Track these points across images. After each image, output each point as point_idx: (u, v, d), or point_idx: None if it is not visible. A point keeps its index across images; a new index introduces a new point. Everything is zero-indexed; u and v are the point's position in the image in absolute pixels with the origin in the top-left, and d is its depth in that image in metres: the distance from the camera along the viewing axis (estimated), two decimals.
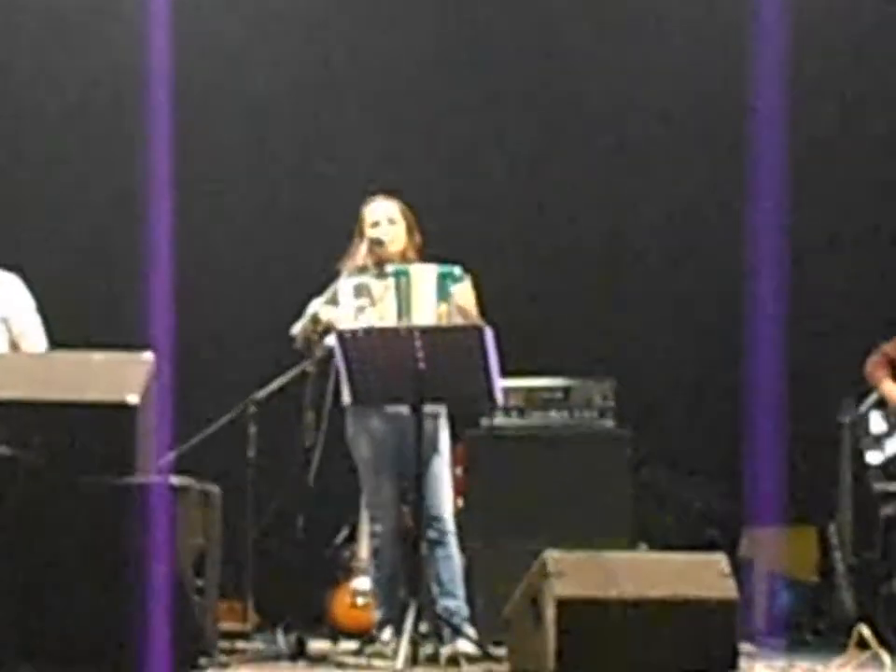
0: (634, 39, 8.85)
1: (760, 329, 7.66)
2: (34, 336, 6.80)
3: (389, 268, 6.34)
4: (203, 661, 5.22)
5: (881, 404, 7.29)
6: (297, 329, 6.29)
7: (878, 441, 7.30)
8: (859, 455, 7.57)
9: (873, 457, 7.34)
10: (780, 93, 7.73)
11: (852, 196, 8.66)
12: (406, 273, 6.30)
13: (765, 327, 7.72)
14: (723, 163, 8.42)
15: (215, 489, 5.59)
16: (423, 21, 9.07)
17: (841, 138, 8.62)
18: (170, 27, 7.82)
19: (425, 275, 6.32)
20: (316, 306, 6.26)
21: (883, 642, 5.65)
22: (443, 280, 6.27)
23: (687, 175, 8.82)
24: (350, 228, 6.49)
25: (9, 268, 6.84)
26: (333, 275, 6.38)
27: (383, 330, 6.00)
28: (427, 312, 6.17)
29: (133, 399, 5.23)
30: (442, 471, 6.33)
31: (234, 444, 6.82)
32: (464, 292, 6.30)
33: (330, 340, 6.08)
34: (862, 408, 7.42)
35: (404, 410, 6.06)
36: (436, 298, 6.22)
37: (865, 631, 5.55)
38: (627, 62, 8.86)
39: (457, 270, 6.32)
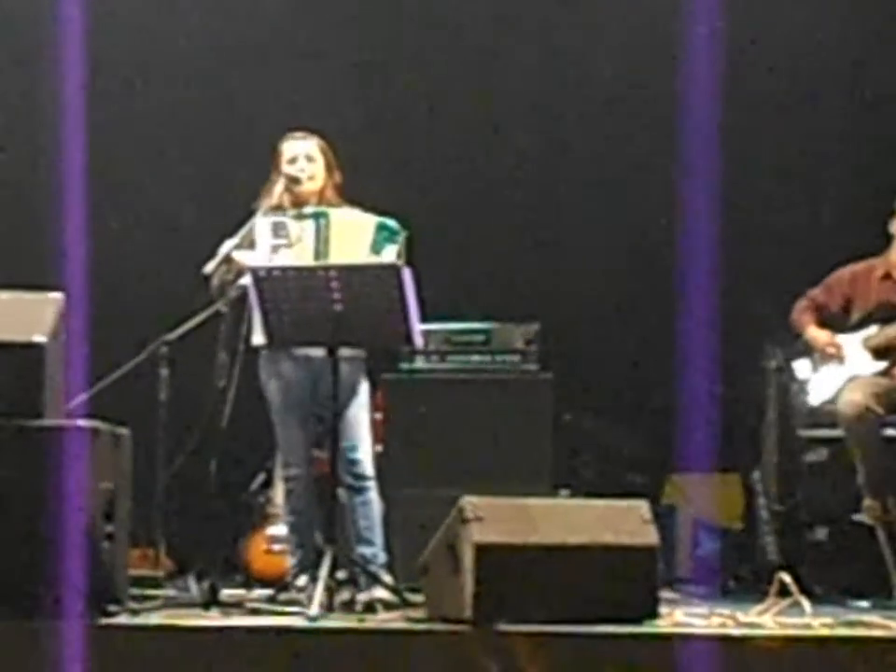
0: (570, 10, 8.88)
1: (688, 275, 7.70)
2: None
3: (309, 209, 6.31)
4: (113, 607, 5.20)
5: (807, 351, 7.35)
6: (210, 268, 6.24)
7: (802, 389, 7.36)
8: (783, 402, 7.64)
9: (799, 403, 7.40)
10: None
11: (780, 152, 8.73)
12: (326, 216, 6.25)
13: (693, 273, 7.76)
14: (653, 109, 8.43)
15: (125, 432, 5.56)
16: None
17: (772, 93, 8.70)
18: None
19: (349, 220, 6.29)
20: (230, 246, 6.24)
21: (804, 589, 5.70)
22: (380, 232, 6.22)
23: (617, 119, 8.86)
24: (267, 165, 6.49)
25: None
26: (249, 213, 6.37)
27: (299, 269, 5.96)
28: (346, 256, 6.13)
29: (40, 338, 5.21)
30: (360, 416, 6.34)
31: (146, 386, 6.82)
32: (393, 254, 6.26)
33: (245, 280, 6.06)
34: (787, 354, 7.49)
35: (319, 352, 6.06)
36: (369, 250, 6.18)
37: (786, 578, 5.60)
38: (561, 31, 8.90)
39: (396, 226, 6.26)
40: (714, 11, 7.75)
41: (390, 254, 6.18)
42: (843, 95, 8.73)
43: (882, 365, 7.00)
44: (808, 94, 8.70)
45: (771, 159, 8.71)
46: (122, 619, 5.18)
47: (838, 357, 7.12)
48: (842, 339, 7.13)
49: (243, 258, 6.19)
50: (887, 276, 7.10)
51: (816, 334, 7.20)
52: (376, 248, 6.17)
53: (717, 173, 7.58)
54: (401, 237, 6.28)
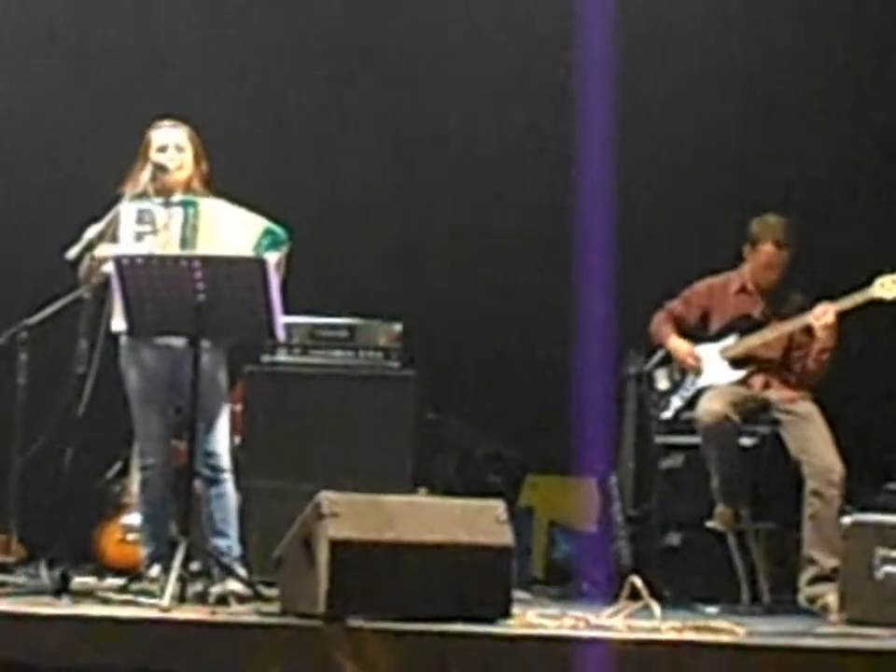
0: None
1: (551, 284, 7.75)
2: None
3: (177, 197, 6.28)
4: None
5: (665, 361, 7.44)
6: (73, 253, 6.20)
7: (663, 397, 7.44)
8: (642, 407, 7.71)
9: (657, 412, 7.48)
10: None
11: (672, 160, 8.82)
12: (195, 204, 6.24)
13: (557, 281, 7.81)
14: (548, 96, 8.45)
15: None
16: None
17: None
18: None
19: (224, 214, 6.29)
20: (92, 231, 6.20)
21: (655, 593, 5.76)
22: (267, 236, 6.26)
23: (496, 119, 8.88)
24: (132, 154, 6.44)
25: None
26: (115, 199, 6.33)
27: (162, 258, 5.94)
28: (214, 247, 6.11)
29: None
30: (219, 407, 6.31)
31: (4, 371, 6.76)
32: (274, 260, 6.25)
33: (108, 267, 6.03)
34: (648, 365, 7.56)
35: (180, 342, 6.04)
36: (251, 249, 6.18)
37: (637, 582, 5.66)
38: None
39: (283, 234, 6.30)
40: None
41: (272, 259, 6.15)
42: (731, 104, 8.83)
43: (739, 374, 7.11)
44: (699, 102, 8.78)
45: (663, 167, 8.77)
46: None
47: (697, 368, 7.22)
48: (700, 349, 7.23)
49: (106, 253, 6.13)
50: (742, 290, 7.22)
51: (676, 345, 7.29)
52: (258, 251, 6.17)
53: (604, 176, 7.63)
54: (286, 246, 6.32)
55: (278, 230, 6.31)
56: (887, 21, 8.62)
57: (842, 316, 6.86)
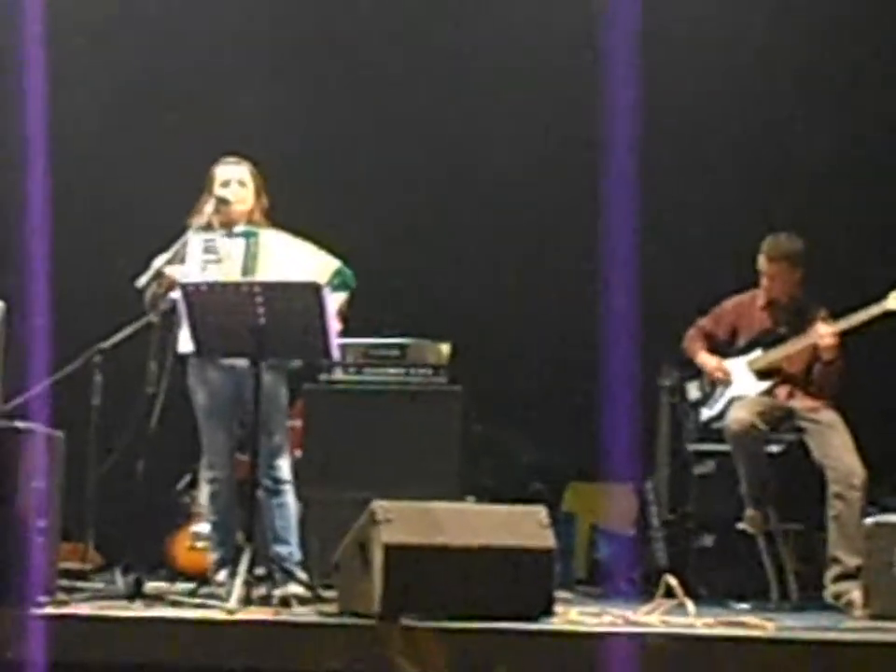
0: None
1: (585, 307, 7.72)
2: None
3: (239, 229, 6.33)
4: (42, 598, 5.17)
5: (697, 374, 7.42)
6: (143, 281, 6.23)
7: (694, 407, 7.43)
8: (676, 417, 7.70)
9: (689, 421, 7.47)
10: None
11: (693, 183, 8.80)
12: (255, 235, 6.29)
13: (590, 303, 7.79)
14: (575, 126, 8.43)
15: (59, 434, 5.54)
16: None
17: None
18: None
19: (279, 242, 6.34)
20: (161, 261, 6.23)
21: (689, 591, 5.76)
22: (338, 276, 6.32)
23: (528, 152, 8.88)
24: (197, 189, 6.48)
25: None
26: (182, 230, 6.36)
27: (225, 285, 5.99)
28: (273, 274, 6.14)
29: None
30: (279, 423, 6.34)
31: (80, 392, 6.79)
32: (342, 299, 6.35)
33: (175, 294, 6.06)
34: (680, 376, 7.57)
35: (243, 362, 6.06)
36: (302, 260, 6.25)
37: (672, 581, 5.65)
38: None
39: (351, 277, 6.37)
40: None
41: (339, 298, 6.28)
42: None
43: (765, 385, 7.08)
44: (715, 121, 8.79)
45: (686, 188, 8.76)
46: (51, 609, 5.13)
47: (726, 380, 7.21)
48: (729, 363, 7.21)
49: (174, 272, 6.18)
50: (767, 306, 7.19)
51: (705, 360, 7.28)
52: (329, 288, 6.18)
53: (633, 200, 7.61)
54: (352, 288, 6.38)
55: (348, 272, 6.38)
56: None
57: (856, 330, 6.85)
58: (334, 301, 6.20)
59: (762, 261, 7.05)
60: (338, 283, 6.33)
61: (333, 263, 6.35)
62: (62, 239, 7.46)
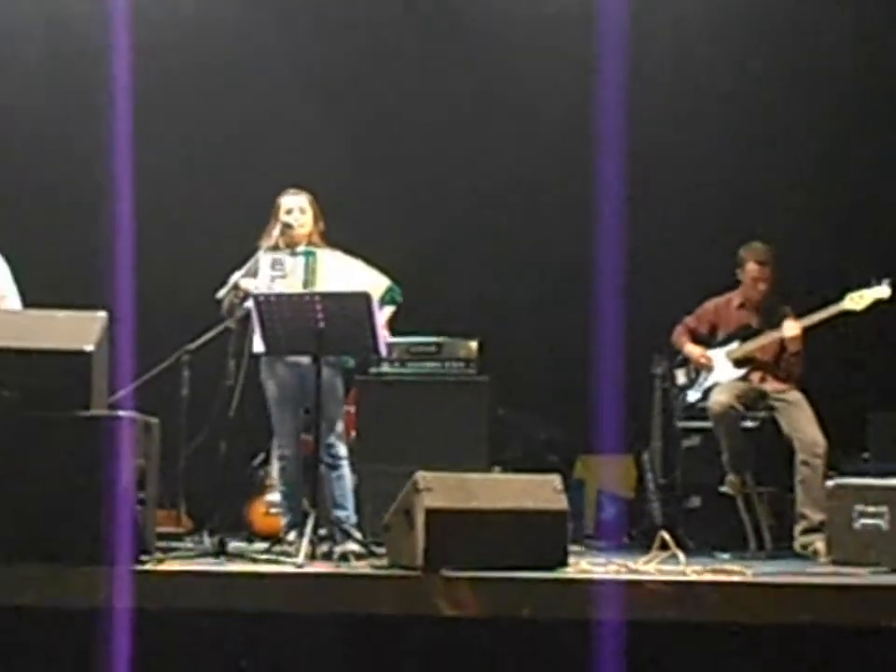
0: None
1: (595, 304, 7.68)
2: (11, 298, 6.77)
3: (300, 249, 6.34)
4: (143, 557, 5.18)
5: (684, 363, 7.42)
6: (222, 293, 6.27)
7: (682, 391, 7.43)
8: (667, 399, 7.69)
9: (678, 402, 7.47)
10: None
11: (679, 201, 8.77)
12: (314, 254, 6.31)
13: (601, 303, 7.74)
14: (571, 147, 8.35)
15: (154, 420, 5.55)
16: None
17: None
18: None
19: (334, 260, 6.35)
20: (237, 276, 6.27)
21: (680, 545, 5.75)
22: (389, 293, 6.36)
23: (541, 181, 8.86)
24: (265, 215, 6.49)
25: None
26: (253, 251, 6.39)
27: (290, 296, 5.99)
28: (327, 287, 6.15)
29: (88, 347, 5.20)
30: (337, 409, 6.36)
31: (172, 385, 6.82)
32: (389, 313, 6.39)
33: (249, 303, 6.08)
34: (669, 364, 7.57)
35: (306, 359, 6.08)
36: (378, 298, 6.20)
37: (666, 536, 5.64)
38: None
39: (399, 294, 6.42)
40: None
41: (388, 312, 6.34)
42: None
43: (741, 372, 7.08)
44: (701, 154, 8.75)
45: (671, 206, 8.73)
46: (150, 566, 5.15)
47: (708, 367, 7.20)
48: (710, 353, 7.21)
49: (248, 285, 6.21)
50: (741, 305, 7.20)
51: (691, 350, 7.28)
52: (382, 302, 6.24)
53: (624, 216, 7.58)
54: (399, 303, 6.42)
55: (397, 288, 6.41)
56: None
57: (817, 326, 6.85)
58: (385, 313, 6.28)
59: (750, 265, 7.03)
60: (388, 299, 6.37)
61: (385, 282, 6.38)
62: (148, 259, 7.47)
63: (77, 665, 4.79)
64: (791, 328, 6.84)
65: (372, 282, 6.28)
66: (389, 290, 6.38)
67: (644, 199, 8.02)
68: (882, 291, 6.66)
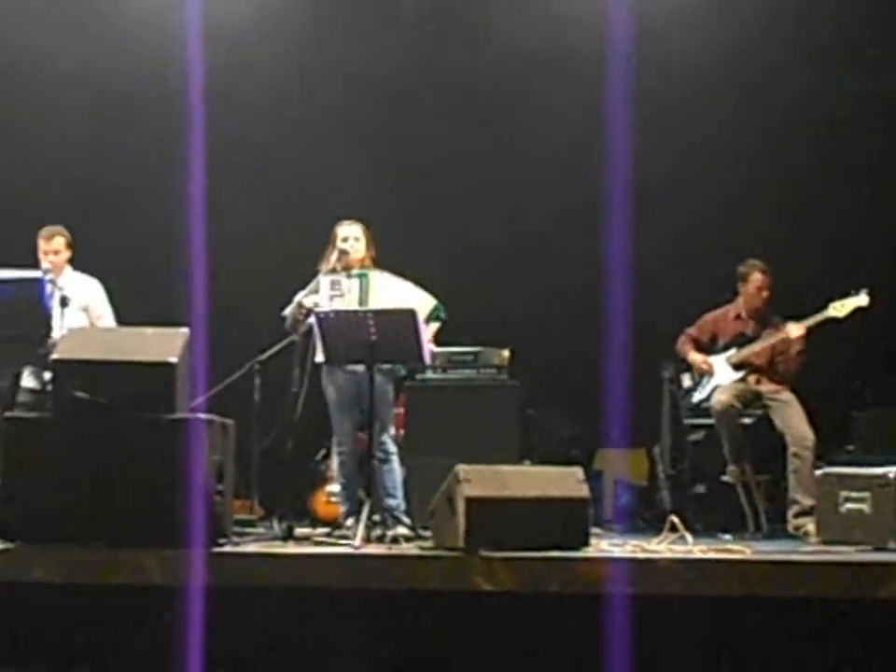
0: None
1: (610, 319, 7.63)
2: (106, 318, 6.83)
3: (355, 272, 6.36)
4: (221, 540, 5.22)
5: (688, 368, 7.38)
6: (287, 311, 6.30)
7: (687, 392, 7.38)
8: (674, 400, 7.65)
9: (684, 403, 7.43)
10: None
11: (681, 225, 8.74)
12: (366, 276, 6.32)
13: (615, 317, 7.71)
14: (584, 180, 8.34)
15: (230, 422, 5.57)
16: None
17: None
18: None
19: (385, 280, 6.34)
20: (300, 296, 6.28)
21: (688, 527, 5.71)
22: (434, 311, 6.34)
23: (560, 211, 8.83)
24: (324, 242, 6.51)
25: (90, 273, 6.88)
26: (313, 274, 6.40)
27: (347, 312, 6.00)
28: (379, 304, 6.14)
29: (173, 359, 5.23)
30: (388, 411, 6.36)
31: (245, 392, 6.84)
32: (434, 328, 6.38)
33: (311, 319, 6.09)
34: (676, 370, 7.54)
35: (361, 368, 6.07)
36: (424, 316, 6.20)
37: (675, 520, 5.61)
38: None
39: (443, 312, 6.40)
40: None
41: (433, 327, 6.33)
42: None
43: (739, 375, 7.04)
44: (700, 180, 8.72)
45: (673, 235, 8.69)
46: (227, 548, 5.18)
47: (710, 372, 7.16)
48: (711, 359, 7.17)
49: (310, 303, 6.22)
50: (738, 316, 7.17)
51: (694, 357, 7.24)
52: (429, 320, 6.24)
53: (630, 239, 7.55)
54: (444, 319, 6.41)
55: (441, 307, 6.38)
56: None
57: (809, 331, 6.81)
58: (431, 328, 6.28)
59: (755, 275, 7.00)
60: (434, 316, 6.36)
61: (431, 301, 6.36)
62: (222, 283, 7.49)
63: (159, 638, 4.79)
64: (796, 329, 6.79)
65: (420, 301, 6.27)
66: (435, 309, 6.37)
67: (649, 228, 7.96)
68: (861, 300, 6.65)
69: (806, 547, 5.85)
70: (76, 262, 7.00)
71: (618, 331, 7.41)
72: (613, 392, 7.57)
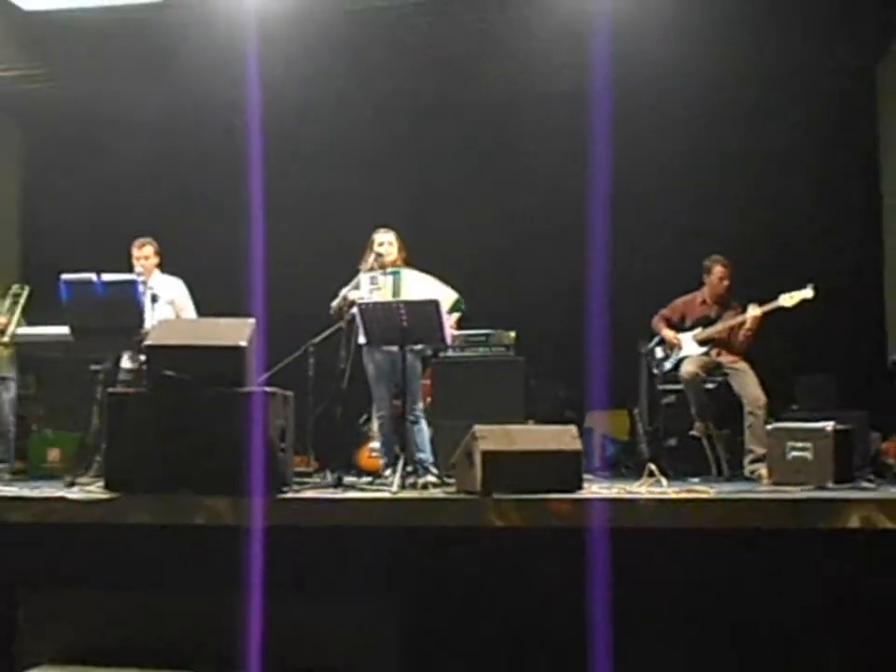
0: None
1: (597, 303, 7.61)
2: (187, 310, 6.84)
3: (389, 270, 6.37)
4: (284, 488, 5.23)
5: (661, 343, 7.36)
6: (334, 304, 6.31)
7: (660, 363, 7.37)
8: (650, 368, 7.63)
9: (658, 371, 7.40)
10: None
11: (660, 221, 8.70)
12: (399, 274, 6.33)
13: (602, 302, 7.67)
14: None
15: (290, 393, 5.57)
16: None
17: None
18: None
19: (414, 276, 6.33)
20: (345, 290, 6.30)
21: (663, 473, 5.71)
22: (457, 304, 6.33)
23: (556, 218, 8.80)
24: (363, 246, 6.52)
25: (174, 274, 6.88)
26: (355, 272, 6.41)
27: (383, 303, 6.00)
28: (409, 296, 6.14)
29: (243, 343, 5.22)
30: (417, 382, 6.39)
31: (301, 369, 6.85)
32: (455, 317, 6.35)
33: (354, 310, 6.10)
34: (651, 344, 7.50)
35: (394, 348, 6.07)
36: (427, 286, 6.23)
37: (653, 467, 5.60)
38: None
39: (463, 303, 6.38)
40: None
41: (455, 316, 6.32)
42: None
43: (704, 349, 7.04)
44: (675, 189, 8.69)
45: (647, 237, 8.67)
46: (289, 495, 5.19)
47: (679, 346, 7.14)
48: (681, 336, 7.15)
49: (353, 296, 6.23)
50: (703, 302, 7.15)
51: (667, 333, 7.22)
52: (450, 311, 6.21)
53: (611, 241, 7.50)
54: (463, 310, 6.41)
55: (462, 300, 6.36)
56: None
57: (764, 316, 6.78)
58: (453, 317, 6.26)
59: (717, 268, 6.99)
60: (456, 307, 6.35)
61: (453, 295, 6.35)
62: (281, 281, 7.48)
63: (230, 568, 4.74)
64: (754, 310, 6.77)
65: (444, 294, 6.26)
66: (457, 301, 6.36)
67: (627, 232, 7.92)
68: (807, 293, 6.61)
69: (760, 488, 5.83)
70: (162, 266, 7.03)
71: (601, 315, 7.38)
72: (598, 364, 7.56)
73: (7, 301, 7.33)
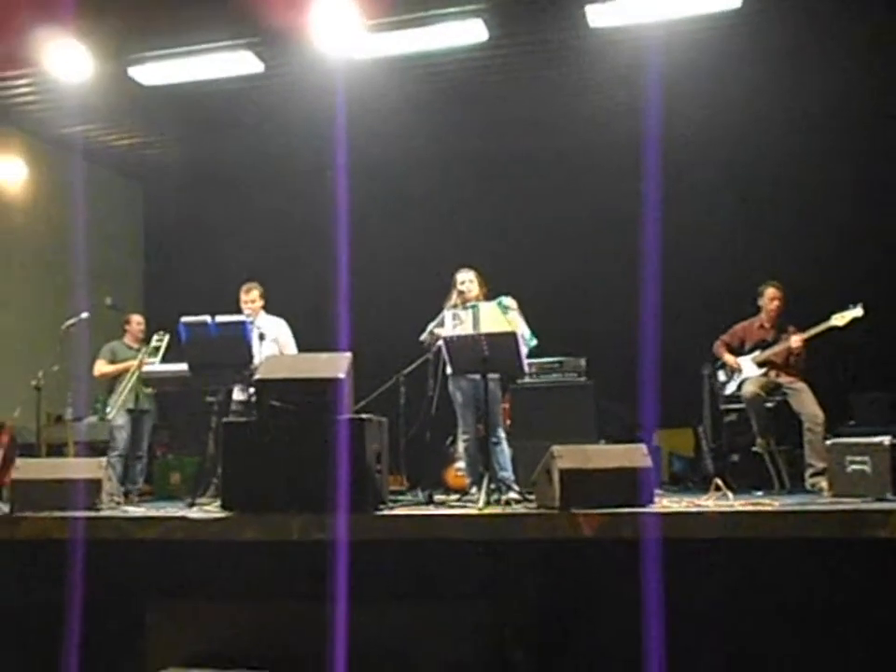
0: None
1: (665, 331, 7.50)
2: (290, 347, 6.95)
3: (469, 305, 6.39)
4: (381, 506, 5.25)
5: (723, 366, 7.26)
6: (423, 337, 6.35)
7: (723, 385, 7.27)
8: (713, 390, 7.53)
9: (721, 393, 7.30)
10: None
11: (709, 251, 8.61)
12: (477, 308, 6.33)
13: (668, 330, 7.54)
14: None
15: (384, 419, 5.60)
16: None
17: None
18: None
19: (488, 308, 6.33)
20: (432, 325, 6.34)
21: (729, 487, 5.61)
22: (499, 307, 6.26)
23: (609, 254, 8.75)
24: (448, 284, 6.56)
25: (278, 315, 7.01)
26: (440, 308, 6.45)
27: (466, 336, 6.01)
28: (489, 328, 6.13)
29: (341, 375, 5.26)
30: (498, 408, 6.39)
31: (392, 396, 6.90)
32: (513, 316, 6.28)
33: (440, 342, 6.13)
34: (714, 367, 7.41)
35: (477, 376, 6.09)
36: (501, 316, 6.19)
37: (719, 482, 5.51)
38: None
39: (504, 300, 6.29)
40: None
41: (509, 315, 6.18)
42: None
43: (763, 371, 6.92)
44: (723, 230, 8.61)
45: (706, 269, 8.58)
46: (384, 511, 5.20)
47: (739, 369, 7.03)
48: (740, 359, 7.05)
49: (439, 331, 6.26)
50: (761, 326, 7.04)
51: (728, 358, 7.13)
52: (502, 312, 6.18)
53: (661, 267, 7.44)
54: (512, 305, 6.27)
55: (503, 300, 6.27)
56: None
57: (813, 338, 6.64)
58: (526, 348, 6.19)
59: (770, 290, 6.91)
60: (502, 310, 6.24)
61: (493, 303, 6.29)
62: (374, 320, 7.57)
63: (316, 577, 4.77)
64: (795, 340, 6.66)
65: (492, 314, 6.21)
66: (499, 305, 6.28)
67: (682, 263, 7.88)
68: (857, 312, 6.48)
69: (821, 500, 5.70)
70: (267, 307, 7.16)
71: (669, 341, 7.33)
72: (667, 386, 7.49)
73: (151, 347, 7.50)
